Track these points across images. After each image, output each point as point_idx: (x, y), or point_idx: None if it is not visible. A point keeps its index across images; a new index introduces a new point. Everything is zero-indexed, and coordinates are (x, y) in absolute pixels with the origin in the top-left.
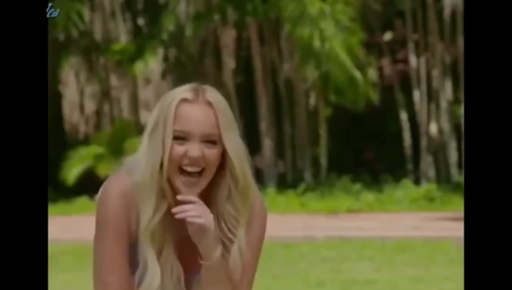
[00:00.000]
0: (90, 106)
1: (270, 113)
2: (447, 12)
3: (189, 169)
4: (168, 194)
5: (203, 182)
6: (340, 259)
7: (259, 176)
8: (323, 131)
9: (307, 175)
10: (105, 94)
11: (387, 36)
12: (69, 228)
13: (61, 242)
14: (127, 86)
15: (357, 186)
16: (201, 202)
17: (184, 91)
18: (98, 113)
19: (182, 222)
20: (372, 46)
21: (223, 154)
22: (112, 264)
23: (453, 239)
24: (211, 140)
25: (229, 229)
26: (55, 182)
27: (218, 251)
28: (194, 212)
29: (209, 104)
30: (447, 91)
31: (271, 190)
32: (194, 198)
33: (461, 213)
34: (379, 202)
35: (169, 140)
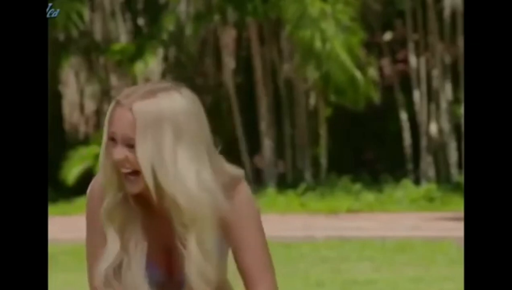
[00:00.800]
0: (90, 106)
1: (270, 113)
2: (447, 12)
3: (122, 170)
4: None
5: (141, 182)
6: (340, 259)
7: (259, 176)
8: (323, 131)
9: (307, 175)
10: (105, 94)
11: (387, 36)
12: (69, 228)
13: (61, 242)
14: (127, 86)
15: (357, 186)
16: None
17: (124, 92)
18: (98, 113)
19: (145, 206)
20: (372, 46)
21: None
22: (93, 255)
23: (453, 239)
24: (131, 144)
25: (179, 238)
26: (55, 182)
27: None
28: None
29: (130, 109)
30: (447, 91)
31: (271, 190)
32: None
33: (461, 213)
34: (379, 202)
35: (104, 141)
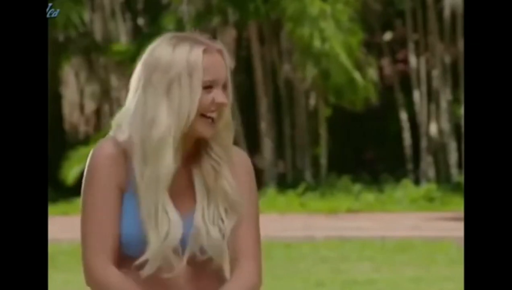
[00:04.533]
0: (90, 106)
1: (270, 113)
2: (447, 12)
3: (213, 115)
4: (181, 146)
5: (216, 124)
6: (340, 259)
7: (259, 176)
8: (323, 131)
9: (307, 175)
10: (105, 94)
11: (387, 36)
12: (69, 228)
13: (61, 242)
14: (127, 86)
15: (357, 186)
16: None
17: (197, 43)
18: (98, 113)
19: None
20: (372, 46)
21: None
22: (91, 217)
23: (453, 239)
24: (225, 85)
25: (213, 167)
26: (55, 182)
27: None
28: None
29: (220, 52)
30: (447, 91)
31: (271, 190)
32: None
33: (461, 213)
34: (379, 202)
35: (198, 91)
